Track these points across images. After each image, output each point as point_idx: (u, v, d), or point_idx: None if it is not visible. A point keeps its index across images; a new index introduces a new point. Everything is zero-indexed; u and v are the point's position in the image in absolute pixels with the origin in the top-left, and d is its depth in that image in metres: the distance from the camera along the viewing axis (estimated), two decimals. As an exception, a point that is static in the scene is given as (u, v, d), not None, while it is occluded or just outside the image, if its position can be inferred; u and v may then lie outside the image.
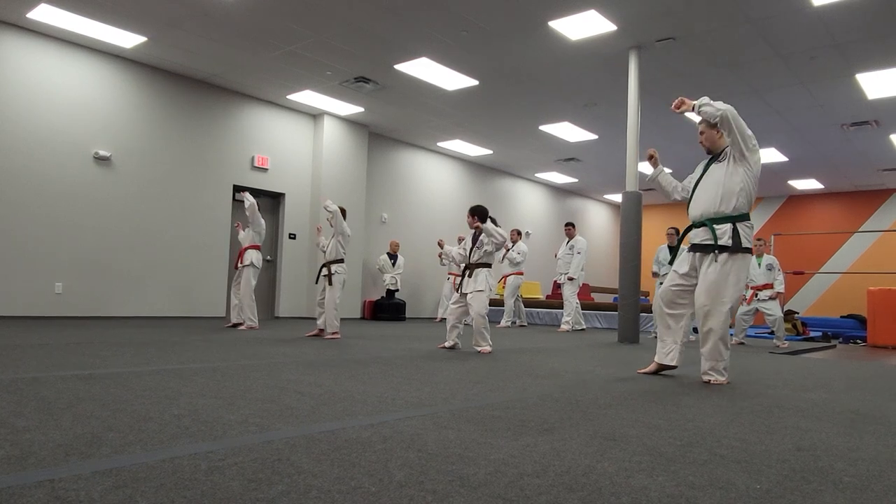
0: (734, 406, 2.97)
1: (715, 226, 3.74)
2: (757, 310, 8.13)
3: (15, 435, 1.86)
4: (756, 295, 8.07)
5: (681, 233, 4.28)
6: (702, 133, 3.96)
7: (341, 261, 6.63)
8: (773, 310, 7.96)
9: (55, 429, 1.95)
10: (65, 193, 7.86)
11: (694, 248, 3.88)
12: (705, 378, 3.82)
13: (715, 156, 3.93)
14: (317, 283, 6.73)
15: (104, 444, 1.79)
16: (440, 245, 6.22)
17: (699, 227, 3.86)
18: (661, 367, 4.07)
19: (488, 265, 5.63)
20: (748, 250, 3.74)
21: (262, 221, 7.46)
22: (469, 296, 5.55)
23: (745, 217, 3.76)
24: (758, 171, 3.77)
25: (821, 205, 15.60)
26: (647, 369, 4.13)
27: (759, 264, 8.15)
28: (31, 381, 2.87)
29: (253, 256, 7.27)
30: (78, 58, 8.02)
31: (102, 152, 8.17)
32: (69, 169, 7.91)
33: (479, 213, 5.62)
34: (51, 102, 7.78)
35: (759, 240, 8.34)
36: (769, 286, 8.03)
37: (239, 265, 7.34)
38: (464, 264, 5.73)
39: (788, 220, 15.80)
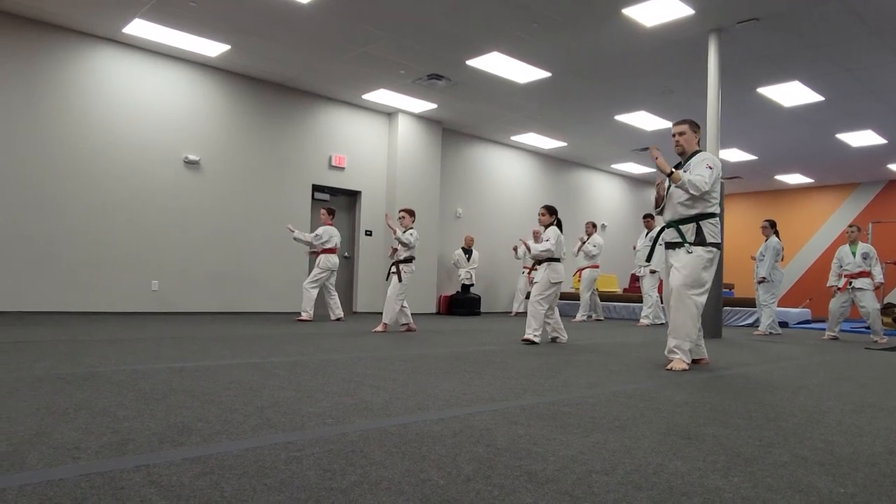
0: (821, 405, 2.84)
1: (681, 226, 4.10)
2: (853, 301, 7.66)
3: (116, 423, 2.02)
4: (850, 283, 7.60)
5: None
6: (683, 134, 4.15)
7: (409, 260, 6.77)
8: (867, 302, 7.47)
9: (150, 418, 2.11)
10: (159, 196, 8.37)
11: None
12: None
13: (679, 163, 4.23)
14: (387, 279, 6.84)
15: (194, 433, 1.92)
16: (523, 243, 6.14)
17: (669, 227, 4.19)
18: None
19: (556, 259, 5.77)
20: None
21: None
22: None
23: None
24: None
25: (925, 189, 14.47)
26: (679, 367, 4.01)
27: (854, 253, 7.67)
28: (131, 372, 3.09)
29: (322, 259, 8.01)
30: (168, 67, 8.50)
31: (192, 157, 8.63)
32: (163, 173, 8.41)
33: (549, 210, 5.98)
34: (144, 111, 8.29)
35: (852, 227, 7.86)
36: (864, 273, 7.56)
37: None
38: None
39: (888, 207, 14.75)
